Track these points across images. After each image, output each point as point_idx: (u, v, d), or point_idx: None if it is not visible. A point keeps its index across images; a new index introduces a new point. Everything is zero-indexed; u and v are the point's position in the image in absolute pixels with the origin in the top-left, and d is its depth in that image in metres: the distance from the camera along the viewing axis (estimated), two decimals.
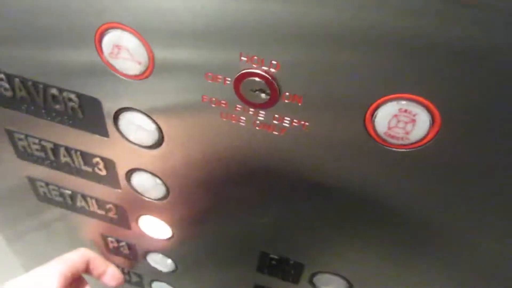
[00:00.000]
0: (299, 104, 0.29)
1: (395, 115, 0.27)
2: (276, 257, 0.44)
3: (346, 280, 0.43)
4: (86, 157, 0.42)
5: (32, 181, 0.49)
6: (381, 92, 0.27)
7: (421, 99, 0.26)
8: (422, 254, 0.37)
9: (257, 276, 0.48)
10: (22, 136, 0.42)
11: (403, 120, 0.27)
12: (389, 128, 0.28)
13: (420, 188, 0.31)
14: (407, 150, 0.29)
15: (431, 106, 0.26)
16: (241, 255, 0.47)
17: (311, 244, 0.41)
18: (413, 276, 0.40)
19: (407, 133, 0.28)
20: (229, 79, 0.29)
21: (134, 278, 0.61)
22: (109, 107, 0.36)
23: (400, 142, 0.28)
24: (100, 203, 0.48)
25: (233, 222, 0.42)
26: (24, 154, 0.45)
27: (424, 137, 0.28)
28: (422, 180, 0.30)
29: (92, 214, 0.50)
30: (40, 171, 0.47)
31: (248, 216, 0.40)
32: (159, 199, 0.43)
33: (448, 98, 0.26)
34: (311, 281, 0.45)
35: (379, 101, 0.27)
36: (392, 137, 0.28)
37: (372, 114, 0.28)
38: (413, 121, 0.27)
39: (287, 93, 0.29)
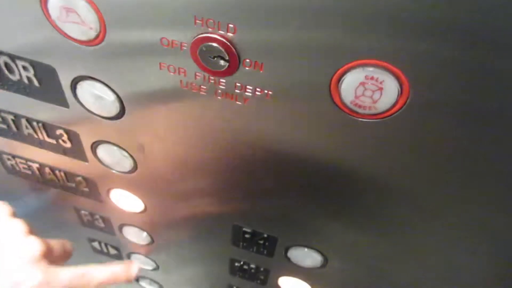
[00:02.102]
0: (261, 72, 0.27)
1: (362, 83, 0.25)
2: (249, 230, 0.43)
3: (321, 253, 0.42)
4: (49, 128, 0.40)
5: None
6: (346, 58, 0.25)
7: (388, 65, 0.24)
8: (395, 225, 0.36)
9: (233, 250, 0.47)
10: None
11: (370, 88, 0.25)
12: (356, 97, 0.26)
13: (389, 159, 0.30)
14: (375, 120, 0.27)
15: (399, 73, 0.24)
16: (215, 228, 0.46)
17: (283, 218, 0.40)
18: (388, 248, 0.39)
19: (374, 102, 0.26)
20: (186, 44, 0.27)
21: (112, 251, 0.60)
22: (65, 76, 0.33)
23: (367, 111, 0.27)
24: (70, 176, 0.46)
25: (203, 195, 0.41)
26: None
27: (393, 106, 0.26)
28: (390, 151, 0.29)
29: (63, 187, 0.48)
30: (6, 144, 0.45)
31: (216, 188, 0.39)
32: (127, 172, 0.42)
33: (417, 65, 0.24)
34: (285, 255, 0.44)
35: (344, 68, 0.25)
36: (359, 106, 0.27)
37: (338, 82, 0.26)
38: (381, 89, 0.25)
39: (247, 60, 0.27)
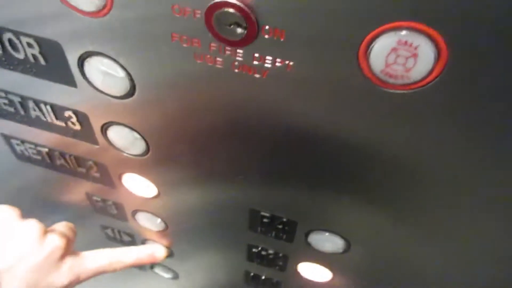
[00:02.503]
0: (281, 40, 0.25)
1: (394, 49, 0.23)
2: (267, 214, 0.41)
3: (343, 238, 0.40)
4: (57, 110, 0.38)
5: (7, 138, 0.46)
6: (376, 22, 0.22)
7: (424, 27, 0.22)
8: (421, 208, 0.34)
9: (250, 235, 0.46)
10: None
11: (403, 54, 0.23)
12: (387, 65, 0.24)
13: (420, 134, 0.28)
14: (407, 91, 0.25)
15: (436, 36, 0.22)
16: (231, 212, 0.44)
17: (303, 201, 0.38)
18: (412, 232, 0.37)
19: (407, 70, 0.23)
20: (199, 11, 0.25)
21: (126, 238, 0.59)
22: (71, 52, 0.32)
23: (399, 81, 0.24)
24: (80, 161, 0.45)
25: (220, 177, 0.39)
26: None
27: (428, 75, 0.23)
28: (422, 126, 0.27)
29: (73, 173, 0.47)
30: (14, 128, 0.43)
31: (232, 170, 0.37)
32: (139, 155, 0.40)
33: (459, 26, 0.21)
34: (306, 240, 0.42)
35: (374, 33, 0.23)
36: (390, 76, 0.24)
37: (367, 49, 0.23)
38: (415, 55, 0.23)
39: (266, 27, 0.24)
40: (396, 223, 0.36)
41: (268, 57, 0.26)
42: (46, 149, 0.45)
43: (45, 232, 0.39)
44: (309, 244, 0.43)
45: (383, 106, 0.26)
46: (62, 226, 0.43)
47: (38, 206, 0.58)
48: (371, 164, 0.31)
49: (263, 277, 0.55)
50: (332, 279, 0.48)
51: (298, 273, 0.50)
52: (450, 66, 0.23)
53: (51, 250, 0.38)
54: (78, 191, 0.51)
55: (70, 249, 0.41)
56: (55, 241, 0.38)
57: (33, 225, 0.38)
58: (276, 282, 0.54)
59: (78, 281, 0.41)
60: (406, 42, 0.22)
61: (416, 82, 0.24)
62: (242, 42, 0.25)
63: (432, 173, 0.30)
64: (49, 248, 0.37)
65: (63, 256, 0.39)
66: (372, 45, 0.23)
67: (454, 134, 0.27)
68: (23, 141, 0.45)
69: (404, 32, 0.22)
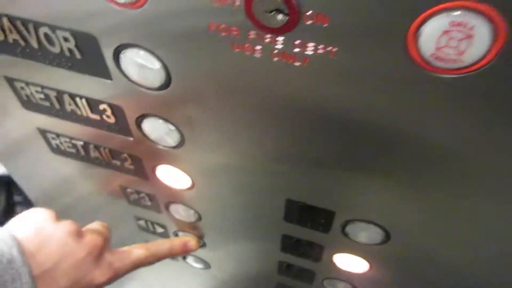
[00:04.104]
0: (325, 25, 0.24)
1: (446, 31, 0.22)
2: (304, 205, 0.41)
3: (383, 229, 0.39)
4: (92, 103, 0.38)
5: (43, 132, 0.46)
6: (427, 2, 0.21)
7: (479, 5, 0.20)
8: (468, 199, 0.33)
9: (286, 226, 0.45)
10: (23, 84, 0.39)
11: (455, 36, 0.22)
12: (437, 49, 0.22)
13: (470, 122, 0.26)
14: (458, 75, 0.24)
15: (494, 14, 0.20)
16: (267, 203, 0.43)
17: (342, 190, 0.37)
18: (458, 225, 0.36)
19: (460, 53, 0.22)
20: None
21: (159, 229, 0.59)
22: (107, 45, 0.31)
23: (450, 65, 0.23)
24: (115, 154, 0.45)
25: (256, 167, 0.38)
26: (29, 104, 0.42)
27: (483, 57, 0.22)
28: (472, 112, 0.25)
29: (108, 165, 0.47)
30: (50, 122, 0.44)
31: (269, 160, 0.36)
32: (174, 147, 0.40)
33: None
34: (343, 231, 0.42)
35: (424, 14, 0.22)
36: (441, 59, 0.23)
37: (416, 32, 0.22)
38: (469, 36, 0.21)
39: (309, 12, 0.23)
40: (440, 214, 0.35)
41: (309, 44, 0.25)
42: (81, 142, 0.45)
43: (81, 231, 0.39)
44: (346, 235, 0.42)
45: (431, 92, 0.25)
46: (97, 224, 0.43)
47: (72, 199, 0.59)
48: (416, 153, 0.30)
49: (297, 268, 0.54)
50: (369, 270, 0.47)
51: (334, 264, 0.49)
52: (507, 49, 0.21)
53: (90, 248, 0.38)
54: (112, 183, 0.51)
55: (107, 246, 0.42)
56: (93, 240, 0.39)
57: (70, 225, 0.38)
58: (310, 272, 0.54)
59: (116, 277, 0.41)
60: (460, 23, 0.21)
61: (468, 66, 0.23)
62: (282, 29, 0.25)
63: (481, 163, 0.29)
64: (88, 247, 0.38)
65: (101, 254, 0.40)
66: (422, 28, 0.22)
67: (506, 122, 0.25)
68: (58, 135, 0.45)
69: (458, 13, 0.21)
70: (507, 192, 0.30)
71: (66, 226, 0.38)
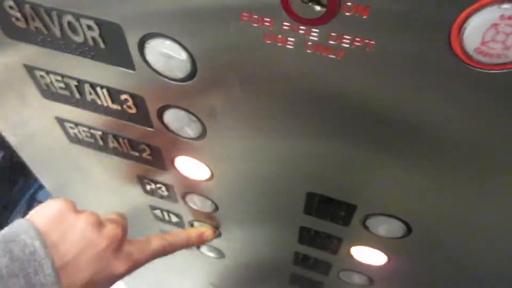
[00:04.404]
0: (364, 18, 0.23)
1: (494, 25, 0.21)
2: (325, 198, 0.40)
3: (405, 223, 0.39)
4: (114, 93, 0.38)
5: (61, 122, 0.46)
6: None
7: None
8: (493, 193, 0.32)
9: (304, 218, 0.45)
10: (43, 73, 0.39)
11: (504, 31, 0.21)
12: (483, 43, 0.22)
13: (507, 120, 0.26)
14: (502, 71, 0.23)
15: None
16: (286, 195, 0.43)
17: (366, 184, 0.37)
18: (481, 218, 0.35)
19: (507, 48, 0.21)
20: None
21: (174, 219, 0.59)
22: (132, 34, 0.31)
23: (494, 60, 0.22)
24: (133, 144, 0.44)
25: (278, 161, 0.38)
26: (48, 93, 0.41)
27: None
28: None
29: (126, 155, 0.47)
30: (68, 111, 0.43)
31: (294, 153, 0.36)
32: (195, 138, 0.39)
33: None
34: (363, 224, 0.41)
35: (472, 7, 0.21)
36: (485, 54, 0.22)
37: (461, 26, 0.21)
38: None
39: (349, 3, 0.22)
40: (464, 208, 0.35)
41: (346, 36, 0.24)
42: (100, 132, 0.45)
43: (102, 222, 0.39)
44: (366, 228, 0.42)
45: (471, 87, 0.24)
46: (115, 215, 0.43)
47: (88, 188, 0.59)
48: (445, 147, 0.29)
49: (313, 259, 0.54)
50: (387, 262, 0.47)
51: (351, 256, 0.49)
52: None
53: (111, 240, 0.38)
54: (129, 173, 0.51)
55: (126, 237, 0.42)
56: (113, 231, 0.39)
57: (90, 217, 0.38)
58: (326, 264, 0.54)
59: (135, 267, 0.41)
60: (510, 17, 0.20)
61: None
62: (319, 21, 0.24)
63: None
64: (108, 238, 0.38)
65: (121, 245, 0.40)
66: (468, 21, 0.21)
67: None
68: (76, 124, 0.45)
69: (508, 6, 0.20)
70: None
71: (87, 217, 0.38)
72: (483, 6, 0.20)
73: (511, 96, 0.24)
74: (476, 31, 0.21)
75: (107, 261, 0.38)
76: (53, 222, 0.36)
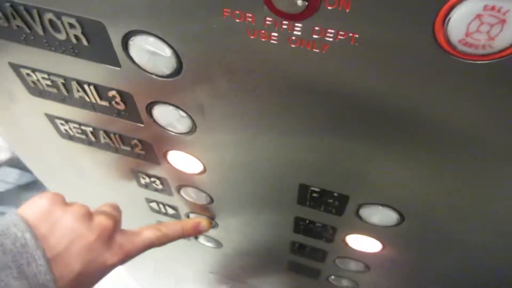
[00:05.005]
0: (347, 11, 0.22)
1: (478, 15, 0.20)
2: (317, 189, 0.40)
3: (397, 211, 0.39)
4: (101, 90, 0.37)
5: (51, 118, 0.45)
6: None
7: None
8: (484, 183, 0.32)
9: (298, 208, 0.45)
10: (29, 71, 0.38)
11: (488, 21, 0.20)
12: (467, 34, 0.21)
13: (492, 109, 0.25)
14: (486, 62, 0.22)
15: None
16: (279, 187, 0.43)
17: (358, 174, 0.36)
18: (473, 205, 0.35)
19: (491, 38, 0.21)
20: None
21: (170, 211, 0.59)
22: (115, 31, 0.30)
23: (479, 51, 0.22)
24: (125, 139, 0.44)
25: (269, 154, 0.38)
26: (35, 91, 0.41)
27: None
28: (497, 100, 0.24)
29: (118, 151, 0.47)
30: (58, 108, 0.43)
31: (284, 146, 0.36)
32: (185, 133, 0.39)
33: None
34: (357, 214, 0.41)
35: None
36: (470, 45, 0.22)
37: (445, 17, 0.21)
38: (503, 21, 0.20)
39: None
40: (456, 195, 0.35)
41: (330, 30, 0.24)
42: (91, 128, 0.44)
43: (92, 214, 0.39)
44: (359, 217, 0.42)
45: (458, 78, 0.24)
46: (107, 206, 0.43)
47: (83, 182, 0.59)
48: (435, 136, 0.29)
49: (309, 247, 0.54)
50: (382, 249, 0.47)
51: (346, 244, 0.49)
52: None
53: (100, 231, 0.38)
54: (123, 167, 0.51)
55: (118, 228, 0.42)
56: (103, 221, 0.39)
57: (80, 209, 0.38)
58: (322, 252, 0.54)
59: (128, 257, 0.42)
60: (494, 7, 0.20)
61: (498, 51, 0.22)
62: (302, 15, 0.23)
63: (500, 147, 0.28)
64: (98, 230, 0.38)
65: (112, 236, 0.40)
66: (452, 12, 0.21)
67: None
68: (67, 121, 0.45)
69: None
70: None
71: (76, 209, 0.38)
72: None
73: (498, 86, 0.24)
74: (461, 22, 0.21)
75: (97, 252, 0.38)
76: (42, 215, 0.36)
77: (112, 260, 0.39)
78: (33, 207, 0.37)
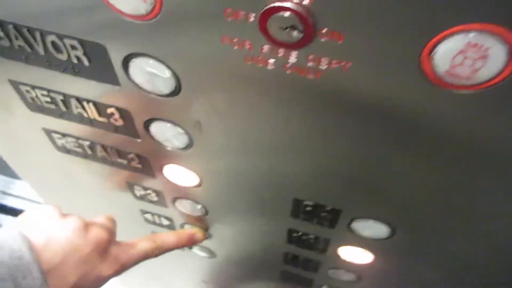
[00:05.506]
0: (340, 42, 0.24)
1: (461, 51, 0.22)
2: (311, 203, 0.41)
3: (389, 225, 0.40)
4: (100, 107, 0.38)
5: (48, 132, 0.46)
6: (444, 24, 0.21)
7: (497, 28, 0.20)
8: (474, 199, 0.33)
9: (292, 221, 0.46)
10: (29, 88, 0.39)
11: (471, 56, 0.22)
12: (452, 67, 0.23)
13: (480, 132, 0.27)
14: (471, 91, 0.24)
15: (510, 36, 0.21)
16: (273, 201, 0.44)
17: (351, 189, 0.38)
18: (464, 222, 0.36)
19: (475, 71, 0.22)
20: (253, 15, 0.24)
21: (165, 222, 0.60)
22: (116, 54, 0.31)
23: (463, 82, 0.23)
24: (122, 153, 0.45)
25: (264, 170, 0.39)
26: (34, 106, 0.42)
27: (496, 76, 0.22)
28: (483, 123, 0.26)
29: (115, 164, 0.48)
30: (55, 123, 0.44)
31: (279, 163, 0.37)
32: (182, 149, 0.40)
33: None
34: (349, 226, 0.42)
35: (441, 35, 0.22)
36: (455, 76, 0.23)
37: (431, 51, 0.22)
38: (484, 57, 0.22)
39: (325, 30, 0.23)
40: (447, 213, 0.36)
41: (323, 59, 0.25)
42: (88, 142, 0.45)
43: (87, 226, 0.40)
44: (352, 231, 0.43)
45: (445, 106, 0.25)
46: (103, 218, 0.44)
47: (78, 194, 0.60)
48: (429, 161, 0.31)
49: (302, 258, 0.55)
50: (374, 260, 0.49)
51: (338, 255, 0.50)
52: None
53: (96, 243, 0.39)
54: (119, 180, 0.52)
55: (113, 239, 0.42)
56: (99, 234, 0.40)
57: (75, 221, 0.39)
58: (315, 263, 0.55)
59: (123, 269, 0.42)
60: (476, 45, 0.21)
61: (482, 82, 0.23)
62: (297, 45, 0.25)
63: (495, 169, 0.29)
64: (93, 242, 0.39)
65: (107, 248, 0.40)
66: (437, 47, 0.22)
67: None
68: (64, 135, 0.45)
69: (473, 34, 0.21)
70: None
71: (72, 222, 0.39)
72: (451, 34, 0.21)
73: (486, 112, 0.25)
74: (445, 56, 0.22)
75: (93, 264, 0.38)
76: (39, 228, 0.37)
77: (107, 272, 0.40)
78: (31, 220, 0.37)
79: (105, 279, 0.40)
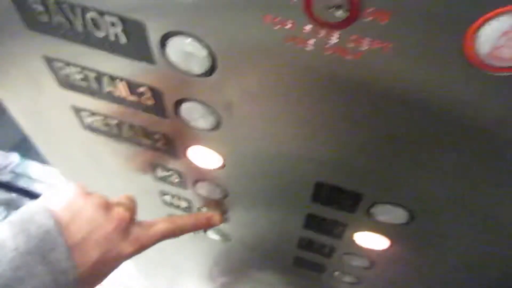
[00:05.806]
0: (383, 22, 0.24)
1: (506, 32, 0.22)
2: (333, 187, 0.42)
3: (409, 210, 0.41)
4: (132, 86, 0.39)
5: (77, 110, 0.47)
6: (491, 4, 0.22)
7: None
8: (498, 186, 0.34)
9: (311, 205, 0.47)
10: (62, 64, 0.40)
11: None
12: (496, 48, 0.23)
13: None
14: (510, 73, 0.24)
15: None
16: (296, 183, 0.45)
17: (373, 173, 0.38)
18: (486, 209, 0.37)
19: None
20: None
21: (183, 204, 0.61)
22: (155, 31, 0.32)
23: (505, 64, 0.24)
24: (148, 133, 0.46)
25: (290, 153, 0.40)
26: (66, 83, 0.42)
27: None
28: None
29: (140, 144, 0.48)
30: (85, 100, 0.44)
31: (307, 145, 0.38)
32: (209, 130, 0.41)
33: None
34: (368, 212, 0.43)
35: (486, 16, 0.22)
36: (496, 58, 0.24)
37: (475, 32, 0.23)
38: None
39: (370, 9, 0.24)
40: (470, 207, 0.37)
41: (365, 39, 0.26)
42: (116, 121, 0.46)
43: (110, 205, 0.41)
44: (371, 215, 0.44)
45: (486, 88, 0.26)
46: (124, 198, 0.45)
47: (100, 173, 0.61)
48: (458, 141, 0.31)
49: (317, 243, 0.56)
50: (390, 247, 0.49)
51: (354, 241, 0.51)
52: None
53: (118, 222, 0.40)
54: (142, 160, 0.53)
55: (134, 219, 0.43)
56: (121, 212, 0.41)
57: (99, 200, 0.40)
58: (330, 248, 0.56)
59: (143, 248, 0.43)
60: None
61: None
62: (340, 25, 0.25)
63: None
64: (116, 220, 0.40)
65: (128, 227, 0.41)
66: (481, 28, 0.23)
67: None
68: (93, 113, 0.46)
69: None
70: None
71: (95, 199, 0.40)
72: (497, 15, 0.22)
73: None
74: (489, 37, 0.23)
75: (114, 242, 0.40)
76: (64, 204, 0.38)
77: (127, 250, 0.41)
78: (56, 196, 0.38)
79: (125, 257, 0.41)
